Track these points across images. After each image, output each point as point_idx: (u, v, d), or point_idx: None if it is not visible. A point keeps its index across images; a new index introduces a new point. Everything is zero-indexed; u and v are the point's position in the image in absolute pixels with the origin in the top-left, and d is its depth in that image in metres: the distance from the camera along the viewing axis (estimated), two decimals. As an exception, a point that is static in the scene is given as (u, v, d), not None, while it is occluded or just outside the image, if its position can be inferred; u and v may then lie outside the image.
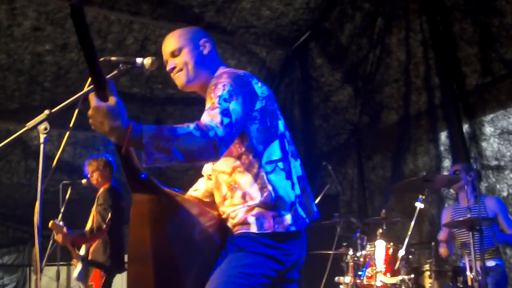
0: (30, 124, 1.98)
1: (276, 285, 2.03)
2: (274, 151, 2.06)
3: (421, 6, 5.50)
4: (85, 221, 5.05)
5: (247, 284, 1.91)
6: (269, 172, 2.01)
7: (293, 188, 2.05)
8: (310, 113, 7.02)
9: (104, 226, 4.58)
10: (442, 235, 4.57)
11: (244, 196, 2.01)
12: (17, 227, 8.19)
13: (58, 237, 4.38)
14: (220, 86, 1.97)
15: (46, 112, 1.99)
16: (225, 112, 1.89)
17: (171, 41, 2.20)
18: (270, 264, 1.96)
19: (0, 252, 8.24)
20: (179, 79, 2.18)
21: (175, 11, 5.83)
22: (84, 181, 4.95)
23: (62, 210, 4.74)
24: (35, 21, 5.46)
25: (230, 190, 2.04)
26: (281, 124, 2.14)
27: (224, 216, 2.08)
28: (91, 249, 4.78)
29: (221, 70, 2.19)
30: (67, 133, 2.16)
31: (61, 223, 4.36)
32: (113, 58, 2.11)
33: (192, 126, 1.79)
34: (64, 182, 4.87)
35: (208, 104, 1.96)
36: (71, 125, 2.13)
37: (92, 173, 4.92)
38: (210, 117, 1.87)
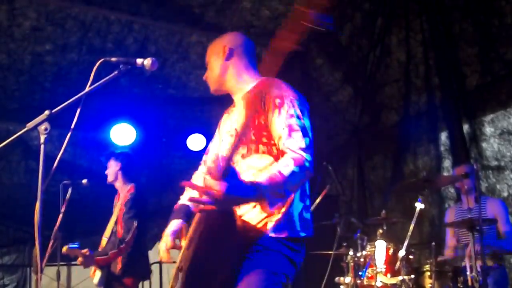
0: (31, 124, 1.98)
1: None
2: None
3: (421, 6, 5.50)
4: (85, 221, 5.02)
5: (273, 282, 1.99)
6: None
7: (305, 196, 2.15)
8: (310, 113, 7.00)
9: (128, 237, 4.37)
10: (450, 241, 4.56)
11: None
12: (17, 227, 8.18)
13: (80, 261, 4.23)
14: (288, 102, 2.07)
15: (47, 112, 1.99)
16: (304, 132, 2.03)
17: (207, 53, 2.40)
18: (288, 264, 2.06)
19: (0, 252, 8.23)
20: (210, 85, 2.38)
21: (175, 11, 5.82)
22: (84, 181, 4.92)
23: (62, 210, 4.72)
24: (35, 21, 5.45)
25: None
26: None
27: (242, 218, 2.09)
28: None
29: (268, 77, 2.19)
30: (69, 134, 2.16)
31: (75, 245, 4.20)
32: (113, 59, 2.11)
33: (291, 163, 1.93)
34: (64, 182, 4.84)
35: (282, 120, 2.04)
36: (72, 126, 2.13)
37: (115, 173, 4.72)
38: (296, 142, 1.99)
